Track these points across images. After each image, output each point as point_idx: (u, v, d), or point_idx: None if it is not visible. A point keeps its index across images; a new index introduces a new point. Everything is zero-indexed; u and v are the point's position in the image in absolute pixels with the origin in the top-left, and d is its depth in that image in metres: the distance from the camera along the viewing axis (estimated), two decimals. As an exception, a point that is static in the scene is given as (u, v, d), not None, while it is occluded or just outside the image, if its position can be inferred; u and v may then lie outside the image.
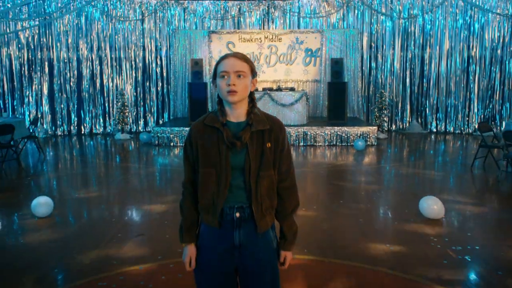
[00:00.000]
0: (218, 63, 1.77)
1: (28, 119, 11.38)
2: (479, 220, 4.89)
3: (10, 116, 10.77)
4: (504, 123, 10.77)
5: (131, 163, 8.59)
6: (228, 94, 1.72)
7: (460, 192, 6.19)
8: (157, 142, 9.93)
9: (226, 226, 1.79)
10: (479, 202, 5.69)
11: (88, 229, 4.69)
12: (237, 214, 1.77)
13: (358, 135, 9.71)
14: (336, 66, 10.40)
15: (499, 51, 11.41)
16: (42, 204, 4.93)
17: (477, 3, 11.07)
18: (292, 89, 10.49)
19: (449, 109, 11.96)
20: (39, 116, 11.38)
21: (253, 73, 1.79)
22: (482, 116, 11.67)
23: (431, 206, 4.77)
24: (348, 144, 9.71)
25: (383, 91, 11.36)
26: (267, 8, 12.21)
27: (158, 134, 9.96)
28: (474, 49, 11.59)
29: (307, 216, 4.98)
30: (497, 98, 11.58)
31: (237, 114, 1.79)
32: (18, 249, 4.09)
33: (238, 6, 12.23)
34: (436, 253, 3.88)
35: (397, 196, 5.90)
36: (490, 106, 11.64)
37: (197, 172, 1.81)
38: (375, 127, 9.94)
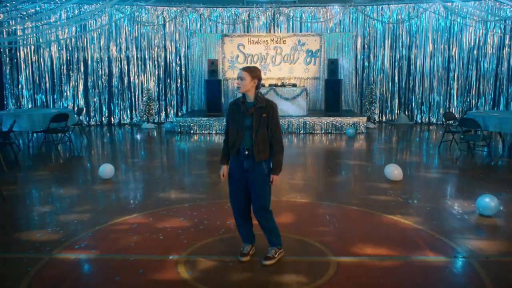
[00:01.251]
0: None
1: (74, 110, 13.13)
2: (428, 182, 6.66)
3: (61, 107, 12.58)
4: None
5: (160, 145, 10.40)
6: (238, 89, 3.53)
7: (422, 163, 7.96)
8: (179, 130, 11.70)
9: (240, 158, 3.57)
10: (434, 170, 7.46)
11: (143, 185, 6.51)
12: (246, 152, 3.54)
13: (350, 124, 11.42)
14: (332, 65, 12.12)
15: (475, 52, 13.07)
16: (107, 170, 6.73)
17: (456, 10, 12.71)
18: (294, 85, 12.22)
19: (432, 103, 13.65)
20: (76, 108, 13.17)
21: (252, 76, 3.51)
22: (460, 109, 13.35)
23: (393, 171, 6.52)
24: (341, 132, 11.42)
25: (373, 87, 13.09)
26: (273, 14, 13.89)
27: (180, 123, 11.74)
28: (454, 50, 13.25)
29: (305, 179, 6.78)
30: (473, 93, 13.25)
31: (249, 98, 3.56)
32: (98, 194, 5.92)
33: (248, 12, 13.92)
34: (389, 198, 5.65)
35: (371, 166, 7.66)
36: (468, 100, 13.32)
37: (229, 128, 3.60)
38: (365, 118, 11.67)
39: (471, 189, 5.98)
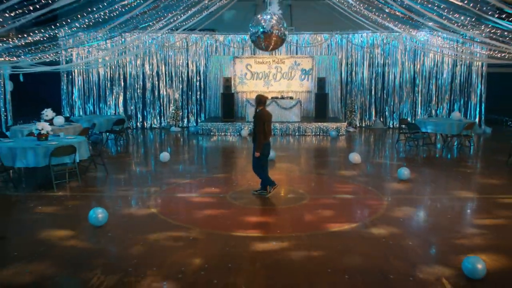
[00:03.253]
0: None
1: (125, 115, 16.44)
2: (377, 163, 10.06)
3: (106, 115, 15.99)
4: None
5: (189, 142, 13.79)
6: None
7: (378, 154, 11.37)
8: (201, 132, 15.08)
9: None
10: (383, 158, 10.89)
11: (191, 165, 9.91)
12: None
13: (334, 128, 14.81)
14: (321, 82, 15.56)
15: (435, 70, 16.54)
16: (165, 156, 10.11)
17: (419, 38, 16.15)
18: (291, 98, 15.64)
19: (402, 111, 17.07)
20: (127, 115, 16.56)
21: (255, 99, 6.99)
22: (424, 116, 16.75)
23: (354, 157, 9.89)
24: (327, 134, 14.81)
25: (353, 99, 16.54)
26: (274, 40, 17.31)
27: (203, 127, 15.14)
28: (418, 68, 16.70)
29: (298, 163, 10.21)
30: (433, 103, 16.71)
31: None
32: (165, 170, 9.31)
33: (254, 38, 17.34)
34: (349, 172, 9.05)
35: (342, 155, 11.06)
36: (429, 109, 16.75)
37: None
38: (345, 123, 15.09)
39: (401, 166, 9.37)
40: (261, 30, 8.86)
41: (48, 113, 10.44)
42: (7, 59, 12.09)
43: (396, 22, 12.06)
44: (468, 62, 16.23)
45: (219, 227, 5.68)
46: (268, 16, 8.94)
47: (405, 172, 8.29)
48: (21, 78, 13.77)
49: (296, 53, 17.35)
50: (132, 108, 17.17)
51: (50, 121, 10.35)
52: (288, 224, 5.84)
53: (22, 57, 12.05)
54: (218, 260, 4.62)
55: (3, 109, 13.19)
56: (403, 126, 12.66)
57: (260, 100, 7.01)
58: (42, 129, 8.11)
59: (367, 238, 5.29)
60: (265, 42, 8.95)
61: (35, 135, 8.15)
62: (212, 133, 15.07)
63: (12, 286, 4.12)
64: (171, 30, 15.14)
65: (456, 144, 12.30)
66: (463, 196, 7.38)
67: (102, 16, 9.70)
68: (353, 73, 17.26)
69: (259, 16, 9.27)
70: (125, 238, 5.27)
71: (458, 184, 8.17)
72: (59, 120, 10.68)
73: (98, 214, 5.52)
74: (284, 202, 6.91)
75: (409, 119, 16.35)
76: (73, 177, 8.03)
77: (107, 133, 12.78)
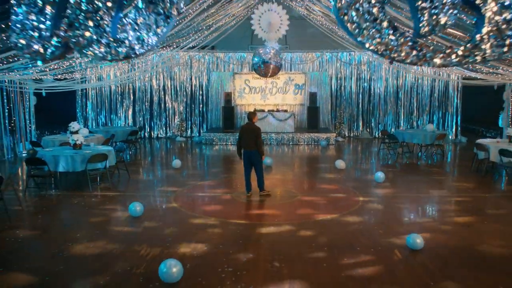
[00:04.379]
0: None
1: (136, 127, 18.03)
2: (359, 168, 11.72)
3: (128, 125, 17.58)
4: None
5: (194, 150, 15.39)
6: None
7: (362, 161, 13.03)
8: (205, 142, 16.69)
9: None
10: (365, 164, 12.55)
11: (199, 168, 11.51)
12: None
13: (324, 138, 16.47)
14: (312, 97, 17.25)
15: (416, 85, 18.29)
16: (177, 163, 11.69)
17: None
18: (285, 111, 17.30)
19: (386, 122, 18.77)
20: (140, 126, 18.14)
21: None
22: (406, 127, 18.47)
23: (340, 163, 11.54)
24: (318, 143, 16.47)
25: (342, 111, 18.24)
26: (270, 57, 19.00)
27: (206, 137, 16.74)
28: (401, 83, 18.45)
29: (292, 168, 11.85)
30: (415, 114, 18.44)
31: None
32: (177, 174, 10.90)
33: (252, 55, 18.97)
34: (334, 176, 10.69)
35: (330, 161, 12.70)
36: (410, 121, 18.48)
37: None
38: (335, 133, 16.77)
39: (378, 170, 11.02)
40: (261, 61, 10.57)
41: (74, 125, 11.99)
42: (32, 78, 13.72)
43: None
44: (445, 78, 18.00)
45: (229, 217, 7.28)
46: (267, 50, 10.67)
47: (380, 175, 9.94)
48: (44, 93, 15.35)
49: (290, 70, 19.04)
50: (140, 119, 18.77)
51: (76, 133, 11.93)
52: (283, 215, 7.45)
53: (47, 76, 13.69)
54: (232, 239, 6.23)
55: (28, 121, 14.74)
56: (385, 136, 14.35)
57: (247, 116, 8.68)
58: (77, 140, 9.70)
59: (343, 224, 6.91)
60: (265, 70, 10.66)
61: (71, 145, 9.74)
62: (214, 143, 16.67)
63: (84, 256, 5.69)
64: (189, 49, 16.74)
65: (432, 152, 13.98)
66: (423, 194, 9.03)
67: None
68: (342, 87, 18.98)
69: (260, 49, 11.00)
70: (158, 225, 6.86)
71: (423, 185, 9.83)
72: (84, 131, 12.26)
73: (137, 207, 7.11)
74: (280, 199, 8.53)
75: (393, 130, 18.10)
76: (103, 180, 9.61)
77: (122, 143, 14.33)
